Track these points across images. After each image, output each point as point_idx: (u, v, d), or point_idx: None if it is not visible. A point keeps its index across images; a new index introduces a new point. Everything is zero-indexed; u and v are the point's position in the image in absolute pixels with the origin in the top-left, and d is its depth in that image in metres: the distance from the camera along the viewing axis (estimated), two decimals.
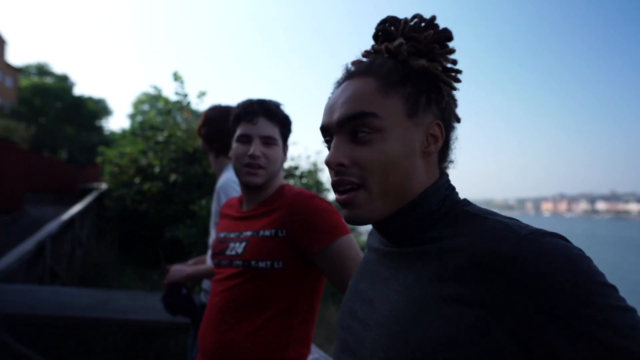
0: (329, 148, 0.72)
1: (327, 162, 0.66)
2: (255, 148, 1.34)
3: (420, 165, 0.67)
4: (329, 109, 0.70)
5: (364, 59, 0.74)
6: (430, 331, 0.56)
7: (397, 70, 0.67)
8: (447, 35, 0.68)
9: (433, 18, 0.68)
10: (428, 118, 0.68)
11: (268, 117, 1.37)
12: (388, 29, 0.71)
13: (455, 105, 0.73)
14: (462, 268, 0.57)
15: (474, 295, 0.55)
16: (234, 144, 1.39)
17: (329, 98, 0.73)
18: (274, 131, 1.38)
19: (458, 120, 0.74)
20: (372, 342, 0.63)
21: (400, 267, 0.67)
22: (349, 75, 0.71)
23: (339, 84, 0.73)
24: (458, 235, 0.61)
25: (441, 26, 0.69)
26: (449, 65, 0.69)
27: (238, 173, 1.38)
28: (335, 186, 0.67)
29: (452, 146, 0.72)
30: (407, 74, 0.67)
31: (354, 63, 0.74)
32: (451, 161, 0.73)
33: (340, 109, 0.67)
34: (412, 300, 0.60)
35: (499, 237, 0.56)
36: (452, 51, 0.68)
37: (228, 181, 1.89)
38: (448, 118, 0.71)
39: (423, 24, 0.69)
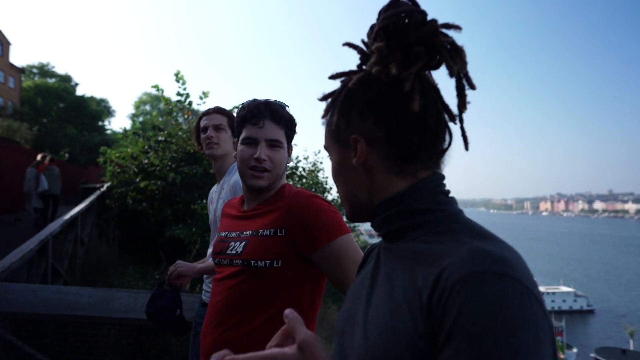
0: None
1: None
2: (262, 151, 1.32)
3: (361, 177, 0.72)
4: None
5: None
6: (396, 338, 0.58)
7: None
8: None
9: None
10: (349, 135, 0.72)
11: (274, 119, 1.35)
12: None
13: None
14: (428, 284, 0.57)
15: (425, 326, 0.55)
16: (239, 146, 1.37)
17: None
18: (279, 134, 1.35)
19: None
20: (356, 345, 0.65)
21: (387, 263, 0.69)
22: None
23: None
24: (437, 250, 0.60)
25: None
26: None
27: (243, 175, 1.36)
28: None
29: (417, 148, 0.67)
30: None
31: None
32: (419, 162, 0.68)
33: None
34: (388, 305, 0.62)
35: (461, 265, 0.55)
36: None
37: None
38: (373, 128, 0.69)
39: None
